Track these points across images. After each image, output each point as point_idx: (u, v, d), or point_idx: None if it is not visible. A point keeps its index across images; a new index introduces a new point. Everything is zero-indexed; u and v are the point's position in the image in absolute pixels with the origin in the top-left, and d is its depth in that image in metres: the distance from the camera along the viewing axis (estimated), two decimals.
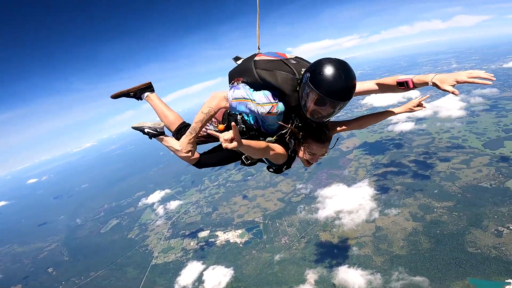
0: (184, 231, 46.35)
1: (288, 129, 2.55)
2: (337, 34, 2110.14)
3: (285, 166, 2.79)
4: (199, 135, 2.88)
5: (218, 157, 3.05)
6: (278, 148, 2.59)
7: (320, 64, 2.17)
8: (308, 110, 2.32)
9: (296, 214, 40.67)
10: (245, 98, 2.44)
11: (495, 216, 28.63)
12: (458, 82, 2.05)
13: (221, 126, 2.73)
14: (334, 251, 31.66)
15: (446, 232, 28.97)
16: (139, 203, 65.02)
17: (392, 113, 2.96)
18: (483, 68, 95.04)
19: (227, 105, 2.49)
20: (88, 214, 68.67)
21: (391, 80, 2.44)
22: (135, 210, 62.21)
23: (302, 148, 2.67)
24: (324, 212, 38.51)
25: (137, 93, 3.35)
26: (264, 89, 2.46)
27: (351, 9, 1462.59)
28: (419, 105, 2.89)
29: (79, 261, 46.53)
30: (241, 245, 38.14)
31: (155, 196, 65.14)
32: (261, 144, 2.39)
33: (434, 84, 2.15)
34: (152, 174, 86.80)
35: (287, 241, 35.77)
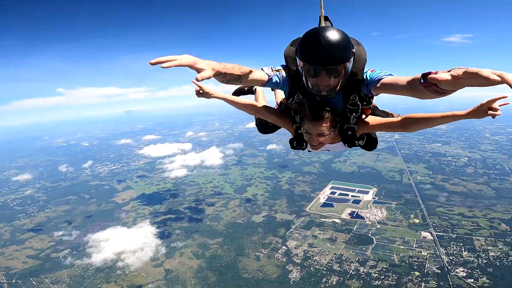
0: None
1: (289, 101, 2.58)
2: (125, 83, 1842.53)
3: (295, 142, 2.86)
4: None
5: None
6: (281, 118, 2.81)
7: (304, 34, 2.17)
8: (306, 84, 2.27)
9: (63, 270, 31.22)
10: (280, 69, 2.57)
11: (251, 244, 37.13)
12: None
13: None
14: None
15: (224, 263, 33.30)
16: None
17: (457, 117, 2.24)
18: (234, 130, 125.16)
19: (263, 77, 2.37)
20: None
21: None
22: None
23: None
24: (101, 256, 32.80)
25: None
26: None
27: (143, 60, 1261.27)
28: (491, 108, 2.03)
29: None
30: None
31: None
32: (247, 101, 2.85)
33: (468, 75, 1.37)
34: None
35: None
